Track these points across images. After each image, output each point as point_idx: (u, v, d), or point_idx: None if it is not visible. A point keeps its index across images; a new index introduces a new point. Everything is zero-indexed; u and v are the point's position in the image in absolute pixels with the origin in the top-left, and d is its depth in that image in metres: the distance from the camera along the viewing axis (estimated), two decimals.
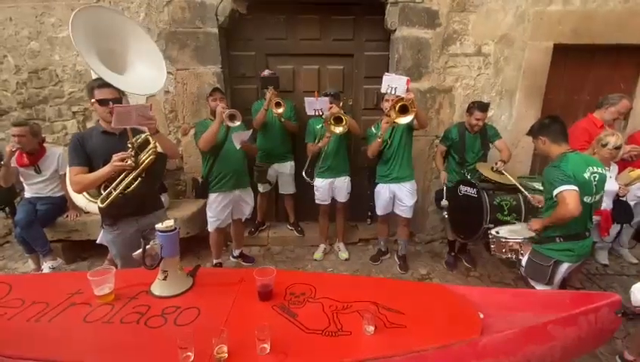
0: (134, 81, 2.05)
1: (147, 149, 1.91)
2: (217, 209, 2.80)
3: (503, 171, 2.67)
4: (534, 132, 2.02)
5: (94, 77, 2.15)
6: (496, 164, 2.72)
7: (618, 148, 2.26)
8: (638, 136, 3.05)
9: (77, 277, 1.53)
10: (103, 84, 1.84)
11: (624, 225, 2.39)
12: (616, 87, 3.39)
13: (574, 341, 1.34)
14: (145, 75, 2.13)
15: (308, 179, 3.11)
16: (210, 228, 2.89)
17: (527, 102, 3.28)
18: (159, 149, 1.95)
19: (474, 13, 3.08)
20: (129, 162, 1.78)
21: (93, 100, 1.84)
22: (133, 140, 1.83)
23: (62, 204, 3.06)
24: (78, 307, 1.33)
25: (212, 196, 2.79)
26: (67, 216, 3.08)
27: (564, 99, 3.44)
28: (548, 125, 1.95)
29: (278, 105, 3.00)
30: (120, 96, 1.90)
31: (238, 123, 2.53)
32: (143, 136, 1.93)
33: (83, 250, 3.27)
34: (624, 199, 2.49)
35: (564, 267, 1.94)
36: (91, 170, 1.83)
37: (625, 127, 3.49)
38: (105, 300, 1.35)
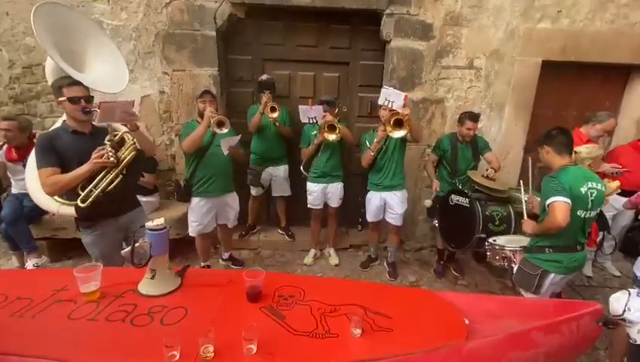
0: (96, 79, 2.03)
1: (127, 145, 1.91)
2: (200, 213, 2.75)
3: (495, 177, 2.72)
4: (540, 140, 2.03)
5: (50, 75, 2.11)
6: (487, 170, 2.77)
7: (592, 158, 2.33)
8: (619, 151, 3.14)
9: (63, 274, 1.51)
10: (72, 82, 1.81)
11: (605, 234, 2.45)
12: (602, 104, 3.51)
13: (557, 348, 1.37)
14: (106, 74, 2.12)
15: (305, 173, 3.12)
16: (192, 232, 2.83)
17: (516, 115, 3.37)
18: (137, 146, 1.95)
19: (466, 27, 3.17)
20: (111, 159, 1.76)
21: (62, 98, 1.78)
22: (113, 137, 1.83)
23: None
24: (62, 304, 1.30)
25: (195, 200, 2.74)
26: (54, 214, 3.01)
27: (552, 113, 3.54)
28: (554, 136, 1.96)
29: (273, 109, 3.01)
30: (90, 94, 1.87)
31: (225, 130, 2.47)
32: (120, 133, 1.93)
33: (69, 249, 3.21)
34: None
35: (550, 277, 1.96)
36: (63, 171, 1.77)
37: (609, 143, 3.61)
38: (91, 298, 1.33)
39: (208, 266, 3.05)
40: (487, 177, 2.72)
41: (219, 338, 1.10)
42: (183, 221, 3.18)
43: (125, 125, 1.92)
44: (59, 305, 1.30)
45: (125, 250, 1.38)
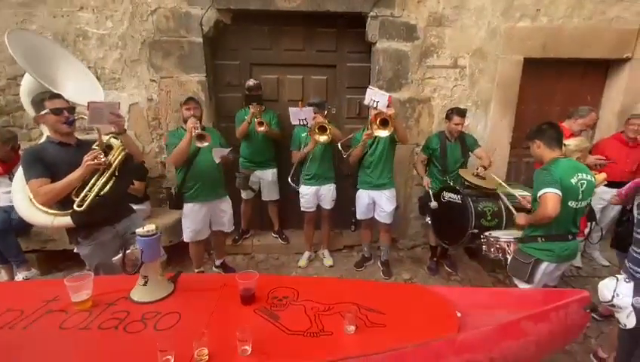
0: (73, 95, 2.07)
1: (116, 147, 1.94)
2: (194, 219, 2.76)
3: (485, 175, 2.76)
4: (530, 135, 2.08)
5: (25, 97, 2.13)
6: (477, 169, 2.81)
7: (581, 150, 2.40)
8: (603, 143, 3.22)
9: (53, 284, 1.50)
10: (53, 95, 1.83)
11: (592, 225, 2.52)
12: (584, 99, 3.60)
13: (546, 336, 1.40)
14: (80, 90, 2.19)
15: (293, 185, 3.12)
16: (187, 238, 2.83)
17: (501, 112, 3.44)
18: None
19: (449, 27, 3.23)
20: (103, 159, 1.78)
21: (44, 112, 1.79)
22: (102, 142, 1.86)
23: None
24: (54, 314, 1.29)
25: (187, 206, 2.74)
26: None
27: (536, 109, 3.62)
28: (544, 130, 2.01)
29: (260, 124, 3.03)
30: (72, 106, 1.89)
31: (206, 144, 2.44)
32: (108, 137, 1.96)
33: (59, 261, 3.16)
34: None
35: (543, 266, 2.01)
36: (53, 183, 1.76)
37: (592, 136, 3.70)
38: (82, 307, 1.32)
39: (202, 272, 3.04)
40: (477, 175, 2.76)
41: (213, 341, 1.10)
42: (174, 228, 3.16)
43: (113, 130, 1.94)
44: (50, 316, 1.29)
45: (116, 258, 1.37)
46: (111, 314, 1.29)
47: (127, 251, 1.36)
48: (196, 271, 3.00)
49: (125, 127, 1.97)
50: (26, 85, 2.18)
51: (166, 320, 1.27)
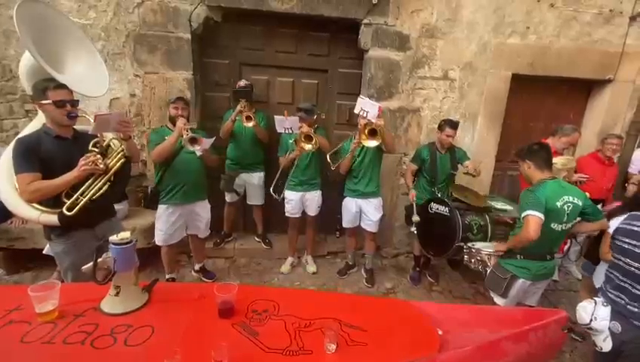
0: (76, 81, 1.96)
1: (116, 152, 1.86)
2: (167, 222, 2.65)
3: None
4: (522, 155, 2.08)
5: (25, 76, 2.00)
6: (466, 166, 2.81)
7: (567, 169, 2.45)
8: (582, 162, 3.30)
9: (17, 291, 1.40)
10: (58, 85, 1.73)
11: (572, 240, 2.57)
12: (567, 117, 3.70)
13: (525, 356, 1.41)
14: (85, 76, 2.07)
15: (275, 196, 3.07)
16: (158, 241, 2.71)
17: (488, 126, 3.49)
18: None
19: (441, 40, 3.26)
20: (100, 166, 1.71)
21: (46, 102, 1.69)
22: (102, 142, 1.80)
23: (5, 209, 2.79)
24: (15, 325, 1.20)
25: (161, 207, 2.63)
26: (11, 222, 2.82)
27: (521, 125, 3.70)
28: (536, 151, 2.02)
29: (248, 118, 2.97)
30: (75, 98, 1.79)
31: (197, 147, 2.38)
32: (107, 139, 1.88)
33: (28, 260, 3.00)
34: None
35: (519, 282, 2.04)
36: (45, 178, 1.68)
37: (574, 154, 3.80)
38: (47, 318, 1.23)
39: (173, 279, 2.92)
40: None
41: (188, 359, 1.05)
42: (153, 229, 3.04)
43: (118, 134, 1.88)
44: (11, 327, 1.20)
45: (86, 266, 1.29)
46: (78, 326, 1.21)
47: (99, 259, 1.28)
48: (167, 276, 2.89)
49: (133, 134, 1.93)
50: (25, 65, 2.00)
51: (138, 334, 1.20)
